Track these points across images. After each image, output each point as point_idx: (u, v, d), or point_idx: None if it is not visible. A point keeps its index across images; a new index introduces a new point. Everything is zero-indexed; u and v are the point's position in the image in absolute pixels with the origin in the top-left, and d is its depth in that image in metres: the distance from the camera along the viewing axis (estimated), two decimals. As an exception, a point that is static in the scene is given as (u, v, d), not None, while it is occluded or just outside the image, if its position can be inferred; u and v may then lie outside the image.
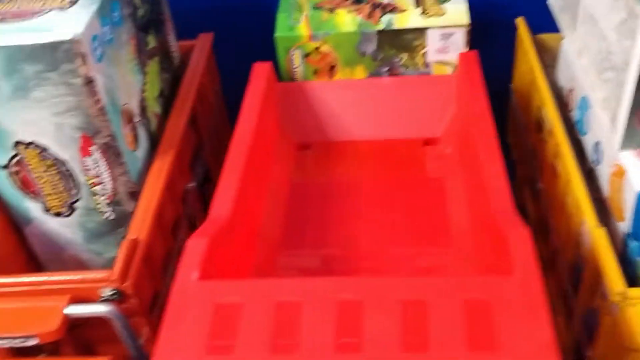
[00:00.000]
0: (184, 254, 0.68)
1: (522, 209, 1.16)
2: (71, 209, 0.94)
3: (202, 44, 1.18)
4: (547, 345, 0.55)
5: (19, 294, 0.76)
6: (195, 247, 0.68)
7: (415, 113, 1.06)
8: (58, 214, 0.94)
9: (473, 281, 0.61)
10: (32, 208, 0.94)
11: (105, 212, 0.94)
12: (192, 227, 1.03)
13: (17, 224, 0.96)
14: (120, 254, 0.79)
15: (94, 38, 0.82)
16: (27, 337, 0.72)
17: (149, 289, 0.83)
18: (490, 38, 1.26)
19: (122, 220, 0.94)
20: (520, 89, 1.16)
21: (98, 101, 0.83)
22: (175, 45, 1.14)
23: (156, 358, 0.58)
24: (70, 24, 0.80)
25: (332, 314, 0.59)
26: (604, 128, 0.86)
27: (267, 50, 1.11)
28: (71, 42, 0.78)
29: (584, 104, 0.94)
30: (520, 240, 0.64)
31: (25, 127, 0.85)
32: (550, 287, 1.01)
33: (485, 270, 0.71)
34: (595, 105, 0.89)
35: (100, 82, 0.83)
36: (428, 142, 1.05)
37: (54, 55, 0.79)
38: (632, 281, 0.74)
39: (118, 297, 0.77)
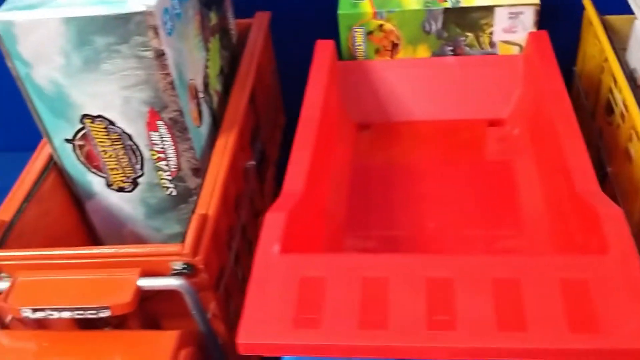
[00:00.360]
0: (263, 228, 0.67)
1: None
2: (134, 184, 0.93)
3: (260, 22, 1.16)
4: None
5: (91, 265, 0.75)
6: (274, 220, 0.67)
7: (480, 93, 1.03)
8: (121, 189, 0.94)
9: (568, 260, 0.59)
10: (95, 182, 0.94)
11: (169, 188, 0.93)
12: (252, 204, 1.02)
13: (78, 199, 0.96)
14: (191, 228, 0.78)
15: (165, 11, 0.81)
16: (100, 309, 0.72)
17: (216, 264, 0.82)
18: (554, 19, 1.23)
19: (184, 197, 0.93)
20: (587, 72, 1.13)
21: (168, 75, 0.82)
22: (233, 23, 1.13)
23: (242, 329, 0.57)
24: (141, -4, 0.78)
25: (422, 291, 0.57)
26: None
27: (324, 29, 1.09)
28: (144, 14, 0.77)
29: (660, 85, 0.91)
30: (613, 218, 0.62)
31: (93, 100, 0.84)
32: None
33: (574, 251, 0.68)
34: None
35: (170, 56, 0.81)
36: (493, 123, 1.03)
37: (126, 27, 0.78)
38: None
39: (189, 271, 0.76)
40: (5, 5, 0.80)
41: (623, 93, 0.94)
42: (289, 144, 0.87)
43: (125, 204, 0.96)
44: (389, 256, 0.62)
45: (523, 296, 0.56)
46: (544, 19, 1.17)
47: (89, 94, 0.84)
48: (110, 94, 0.83)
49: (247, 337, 0.56)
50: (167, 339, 0.75)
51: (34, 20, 0.77)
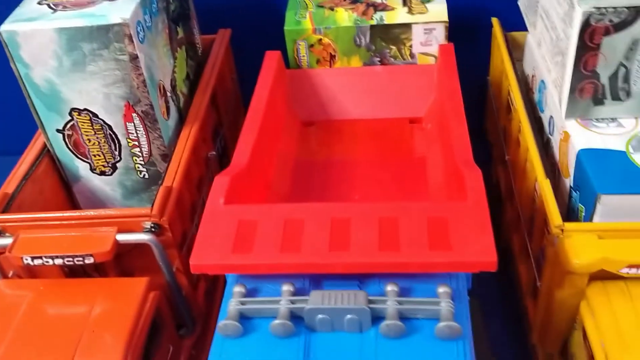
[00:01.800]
0: (212, 187, 0.86)
1: (497, 185, 1.34)
2: (113, 169, 1.13)
3: (222, 37, 1.37)
4: (488, 247, 0.73)
5: (78, 225, 0.94)
6: (221, 181, 0.86)
7: (402, 96, 1.24)
8: (102, 173, 1.13)
9: (435, 205, 0.79)
10: (81, 167, 1.13)
11: (142, 172, 1.13)
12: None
13: (67, 182, 1.15)
14: (158, 196, 0.97)
15: (138, 23, 1.01)
16: (85, 256, 0.90)
17: (180, 228, 1.01)
18: (470, 35, 1.45)
19: (154, 179, 1.13)
20: (494, 80, 1.35)
21: (140, 75, 1.02)
22: (198, 38, 1.33)
23: (194, 255, 0.76)
24: (119, 11, 0.99)
25: (327, 227, 0.77)
26: (555, 103, 1.04)
27: (277, 42, 1.30)
28: (121, 25, 0.97)
29: (542, 86, 1.13)
30: (473, 177, 0.82)
31: (80, 96, 1.04)
32: (514, 244, 1.19)
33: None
34: (549, 86, 1.08)
35: (142, 59, 1.01)
36: (413, 120, 1.24)
37: (107, 35, 0.98)
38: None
39: (156, 230, 0.95)
40: (10, 18, 0.99)
41: (513, 92, 1.16)
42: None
43: (105, 186, 1.15)
44: (306, 204, 0.82)
45: (399, 229, 0.76)
46: (463, 35, 1.39)
47: (77, 91, 1.03)
48: (94, 90, 1.03)
49: (197, 259, 0.76)
50: (138, 283, 0.94)
51: (33, 30, 0.97)
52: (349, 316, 0.72)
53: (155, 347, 0.95)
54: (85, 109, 1.05)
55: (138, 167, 1.12)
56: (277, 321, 0.72)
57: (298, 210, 0.81)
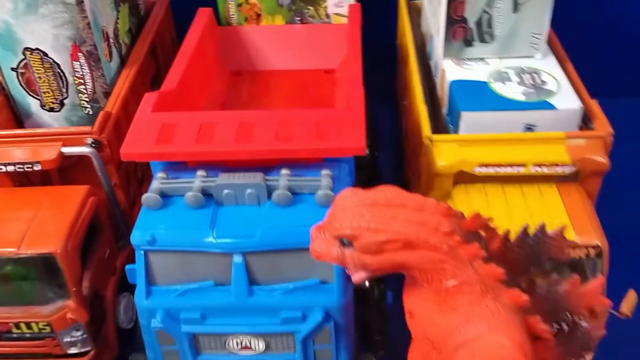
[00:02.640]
0: (142, 101, 1.04)
1: (403, 131, 1.55)
2: (61, 105, 1.28)
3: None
4: (359, 137, 0.92)
5: (29, 141, 1.10)
6: (150, 96, 1.04)
7: (319, 51, 1.44)
8: (51, 109, 1.29)
9: (322, 111, 0.99)
10: (32, 104, 1.28)
11: (86, 108, 1.29)
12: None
13: (19, 118, 1.30)
14: (99, 118, 1.14)
15: (84, -27, 1.18)
16: (34, 163, 1.06)
17: (117, 148, 1.17)
18: (384, 5, 1.66)
19: (97, 116, 1.29)
20: (400, 42, 1.56)
21: (85, 17, 1.19)
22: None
23: (124, 146, 0.94)
24: (67, -37, 1.15)
25: (235, 127, 0.95)
26: (437, 49, 1.25)
27: (213, 3, 1.48)
28: (68, -27, 1.14)
29: (431, 39, 1.33)
30: (355, 94, 1.02)
31: (32, 36, 1.20)
32: (409, 175, 1.39)
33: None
34: (434, 36, 1.29)
35: (87, 4, 1.18)
36: (327, 71, 1.44)
37: (56, -18, 1.14)
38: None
39: (97, 145, 1.11)
40: (-30, -34, 1.15)
41: (408, 46, 1.37)
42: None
43: (54, 122, 1.31)
44: (219, 112, 1.00)
45: (292, 127, 0.94)
46: (377, 5, 1.59)
47: (29, 32, 1.19)
48: (44, 31, 1.19)
49: (127, 149, 0.93)
50: (79, 189, 1.10)
51: (-9, -24, 1.13)
52: (249, 191, 0.90)
53: (94, 246, 1.11)
54: (36, 49, 1.21)
55: (83, 104, 1.28)
56: (190, 193, 0.90)
57: (212, 116, 0.99)
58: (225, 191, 0.91)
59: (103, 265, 1.12)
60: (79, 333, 1.05)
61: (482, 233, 0.74)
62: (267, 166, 0.95)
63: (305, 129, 0.94)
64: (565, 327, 0.77)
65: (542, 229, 0.77)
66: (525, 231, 0.76)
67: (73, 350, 1.06)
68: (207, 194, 0.92)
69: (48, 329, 1.04)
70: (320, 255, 0.71)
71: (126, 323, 1.18)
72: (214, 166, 0.95)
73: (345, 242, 0.69)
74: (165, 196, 0.92)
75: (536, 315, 0.72)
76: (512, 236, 0.76)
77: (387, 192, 0.69)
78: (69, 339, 1.05)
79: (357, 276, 0.72)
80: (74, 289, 1.01)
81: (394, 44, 1.64)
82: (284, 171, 0.93)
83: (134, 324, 1.18)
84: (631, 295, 0.98)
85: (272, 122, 0.96)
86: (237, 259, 0.88)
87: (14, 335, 1.05)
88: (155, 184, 0.93)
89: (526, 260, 0.74)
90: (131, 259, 1.22)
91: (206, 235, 0.88)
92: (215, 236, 0.88)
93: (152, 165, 0.98)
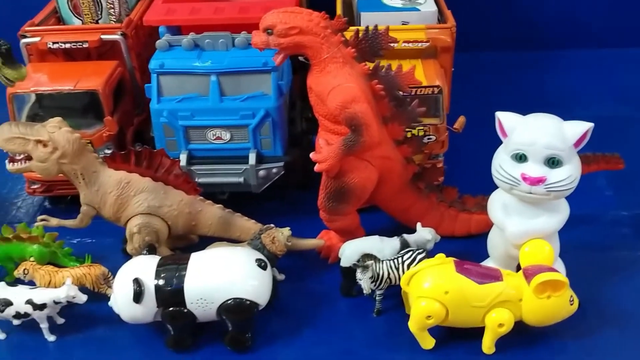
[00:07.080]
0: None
1: None
2: (96, 23, 1.87)
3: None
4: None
5: (79, 32, 1.69)
6: None
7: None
8: (89, 27, 1.88)
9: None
10: (76, 23, 1.87)
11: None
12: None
13: (66, 33, 1.89)
14: (125, 19, 1.73)
15: None
16: (83, 42, 1.65)
17: (137, 41, 1.76)
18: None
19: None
20: None
21: (117, -41, 1.79)
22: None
23: (146, 16, 1.53)
24: None
25: (214, 8, 1.56)
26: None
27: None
28: None
29: None
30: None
31: (81, -28, 1.80)
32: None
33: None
34: None
35: (119, -49, 1.79)
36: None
37: None
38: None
39: (124, 36, 1.70)
40: None
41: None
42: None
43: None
44: (203, 2, 1.60)
45: (249, 8, 1.55)
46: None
47: (79, -31, 1.79)
48: (89, -32, 1.80)
49: (148, 17, 1.53)
50: (112, 62, 1.68)
51: None
52: (221, 40, 1.49)
53: (121, 100, 1.68)
54: (82, -19, 1.82)
55: (112, 23, 1.88)
56: (185, 39, 1.48)
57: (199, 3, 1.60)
58: (207, 40, 1.49)
59: (126, 114, 1.69)
60: (109, 151, 1.61)
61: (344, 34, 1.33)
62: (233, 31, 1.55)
63: (257, 8, 1.55)
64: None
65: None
66: (366, 30, 1.34)
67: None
68: (196, 45, 1.51)
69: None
70: (256, 43, 1.30)
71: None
72: (200, 30, 1.54)
73: (269, 31, 1.28)
74: (169, 45, 1.51)
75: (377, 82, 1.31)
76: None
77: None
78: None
79: (278, 59, 1.31)
80: (109, 117, 1.58)
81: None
82: (243, 32, 1.52)
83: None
84: (461, 118, 1.57)
85: (237, 5, 1.57)
86: (213, 78, 1.46)
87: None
88: (163, 38, 1.52)
89: (370, 50, 1.33)
90: (144, 123, 1.79)
91: (194, 63, 1.46)
92: (200, 63, 1.46)
93: (160, 29, 1.57)
